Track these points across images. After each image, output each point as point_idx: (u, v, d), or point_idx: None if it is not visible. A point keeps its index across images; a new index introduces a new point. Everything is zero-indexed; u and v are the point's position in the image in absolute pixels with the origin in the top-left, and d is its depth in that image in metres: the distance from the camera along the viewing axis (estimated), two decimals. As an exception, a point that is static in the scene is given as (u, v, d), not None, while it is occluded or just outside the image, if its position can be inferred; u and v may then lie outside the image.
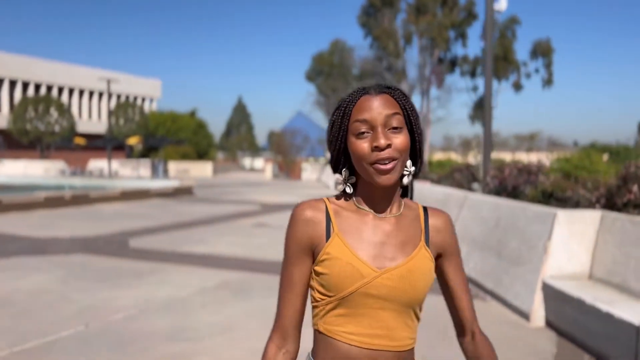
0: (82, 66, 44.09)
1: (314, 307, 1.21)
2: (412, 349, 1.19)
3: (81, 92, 45.52)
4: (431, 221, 1.24)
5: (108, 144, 28.60)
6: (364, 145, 1.13)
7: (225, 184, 27.92)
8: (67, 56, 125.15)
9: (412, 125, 1.18)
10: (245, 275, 6.55)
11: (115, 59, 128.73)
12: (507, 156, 50.34)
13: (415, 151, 1.21)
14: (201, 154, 46.08)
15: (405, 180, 1.19)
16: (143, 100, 51.39)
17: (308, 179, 34.49)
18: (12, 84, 40.49)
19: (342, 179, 1.23)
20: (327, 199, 1.24)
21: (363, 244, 1.16)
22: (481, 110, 37.04)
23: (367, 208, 1.20)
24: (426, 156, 33.17)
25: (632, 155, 42.84)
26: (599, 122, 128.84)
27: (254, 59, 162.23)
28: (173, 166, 37.23)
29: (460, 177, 9.54)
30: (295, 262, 1.21)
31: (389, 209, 1.20)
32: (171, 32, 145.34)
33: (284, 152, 38.60)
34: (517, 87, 36.91)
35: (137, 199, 16.29)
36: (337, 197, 1.24)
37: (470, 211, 6.69)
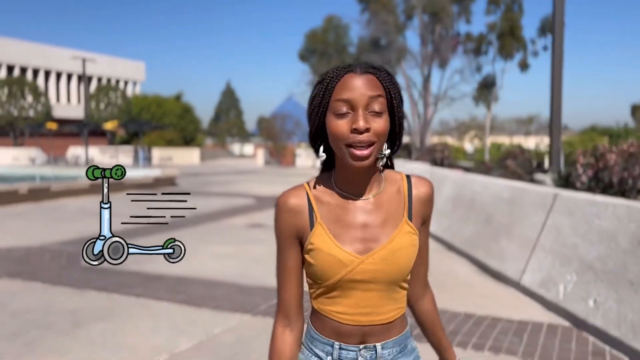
0: (58, 47, 41.16)
1: (308, 287, 1.26)
2: (401, 315, 1.25)
3: (58, 75, 42.69)
4: (415, 192, 1.23)
5: (83, 129, 26.04)
6: (342, 125, 1.11)
7: (213, 172, 25.60)
8: (44, 37, 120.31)
9: (395, 108, 1.16)
10: (243, 321, 4.35)
11: (97, 41, 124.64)
12: (505, 140, 48.55)
13: (394, 134, 1.20)
14: (188, 140, 43.61)
15: (380, 163, 1.19)
16: (126, 83, 48.66)
17: (303, 165, 32.23)
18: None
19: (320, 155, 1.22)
20: (308, 184, 1.24)
21: (345, 229, 1.18)
22: (486, 90, 34.92)
23: (347, 191, 1.20)
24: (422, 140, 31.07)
25: (633, 136, 40.90)
26: (589, 105, 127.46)
27: (244, 41, 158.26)
28: (157, 153, 34.79)
29: (514, 165, 7.36)
30: (287, 250, 1.24)
31: (368, 190, 1.20)
32: (156, 13, 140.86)
33: (275, 137, 36.45)
34: (524, 66, 34.76)
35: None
36: (318, 180, 1.25)
37: (572, 219, 4.52)
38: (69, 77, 42.93)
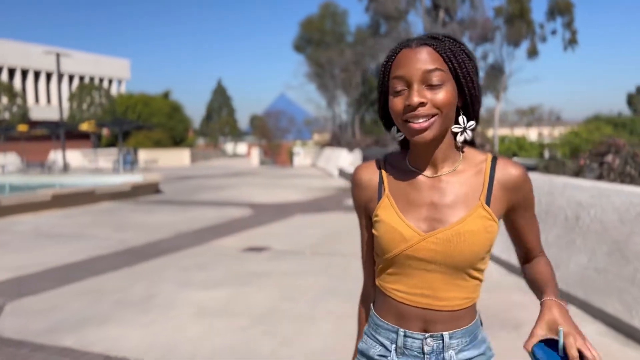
0: (36, 45, 38.58)
1: (375, 264, 1.25)
2: (471, 306, 1.18)
3: (37, 74, 40.15)
4: (498, 175, 1.15)
5: (56, 130, 23.61)
6: (398, 103, 1.10)
7: (204, 174, 23.30)
8: (23, 35, 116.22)
9: (461, 78, 1.10)
10: None
11: (80, 39, 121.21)
12: (506, 132, 46.50)
13: (467, 107, 1.14)
14: (178, 141, 41.26)
15: (460, 137, 1.14)
16: (110, 82, 46.15)
17: (301, 164, 29.98)
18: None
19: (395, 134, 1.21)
20: (385, 157, 1.25)
21: (412, 205, 1.15)
22: (494, 78, 32.73)
23: (418, 167, 1.18)
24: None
25: (637, 125, 38.72)
26: (585, 94, 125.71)
27: (235, 38, 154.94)
28: (144, 155, 32.45)
29: (616, 162, 5.15)
30: (361, 221, 1.27)
31: (440, 167, 1.16)
32: (141, 9, 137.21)
33: (269, 136, 34.38)
34: (532, 52, 32.62)
35: (76, 205, 11.69)
36: (394, 155, 1.24)
37: None
38: (49, 76, 40.38)
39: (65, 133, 27.96)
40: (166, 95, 43.12)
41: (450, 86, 1.09)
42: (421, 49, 1.09)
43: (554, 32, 32.80)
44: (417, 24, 31.25)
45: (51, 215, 10.54)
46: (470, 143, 1.20)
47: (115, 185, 13.43)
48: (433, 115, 1.07)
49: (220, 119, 66.92)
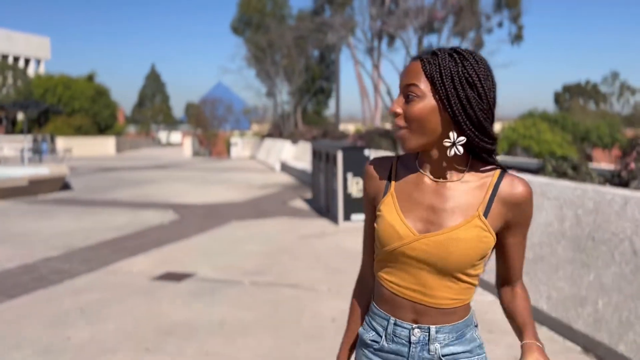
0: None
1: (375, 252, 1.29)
2: (462, 306, 1.21)
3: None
4: (501, 190, 1.18)
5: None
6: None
7: (129, 166, 20.74)
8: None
9: (442, 95, 1.12)
10: None
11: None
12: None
13: (458, 123, 1.13)
14: (103, 127, 37.79)
15: (450, 152, 1.15)
16: (27, 61, 41.76)
17: (239, 155, 27.82)
18: None
19: None
20: (398, 156, 1.29)
21: (412, 206, 1.20)
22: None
23: (425, 170, 1.22)
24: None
25: (569, 122, 39.34)
26: (517, 92, 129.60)
27: (170, 19, 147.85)
28: (63, 143, 29.16)
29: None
30: (368, 211, 1.32)
31: (445, 174, 1.19)
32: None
33: (205, 124, 31.97)
34: (478, 45, 31.95)
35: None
36: (407, 155, 1.27)
37: None
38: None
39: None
40: (90, 77, 39.36)
41: (427, 102, 1.13)
42: (412, 63, 1.16)
43: (500, 25, 32.28)
44: (363, 10, 29.66)
45: None
46: (488, 155, 1.19)
47: (8, 179, 10.93)
48: (403, 128, 1.15)
49: (153, 106, 63.53)
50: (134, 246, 6.36)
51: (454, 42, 30.85)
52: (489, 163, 1.20)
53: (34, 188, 11.10)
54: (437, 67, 1.12)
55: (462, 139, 1.14)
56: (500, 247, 1.25)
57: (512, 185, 1.18)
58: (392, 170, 1.26)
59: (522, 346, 1.20)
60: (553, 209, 4.11)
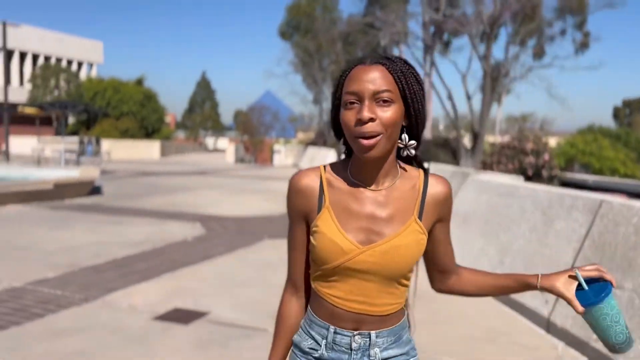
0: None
1: (310, 267, 1.26)
2: (400, 310, 1.24)
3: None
4: (430, 191, 1.23)
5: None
6: (349, 117, 1.13)
7: (166, 171, 20.10)
8: None
9: (408, 99, 1.15)
10: None
11: (54, 19, 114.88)
12: (495, 139, 44.09)
13: (412, 127, 1.19)
14: (150, 131, 37.82)
15: (403, 153, 1.20)
16: (80, 65, 42.42)
17: (282, 163, 26.94)
18: None
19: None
20: (324, 167, 1.25)
21: (351, 218, 1.18)
22: (496, 81, 29.94)
23: (359, 180, 1.21)
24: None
25: (632, 139, 36.40)
26: (575, 105, 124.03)
27: (221, 29, 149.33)
28: (108, 146, 29.06)
29: None
30: (296, 226, 1.26)
31: (380, 182, 1.20)
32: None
33: (251, 131, 31.50)
34: (539, 54, 29.97)
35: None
36: (335, 165, 1.25)
37: None
38: (10, 54, 36.57)
39: (23, 118, 24.60)
40: (139, 81, 39.58)
41: (398, 107, 1.13)
42: (374, 67, 1.13)
43: (563, 33, 30.24)
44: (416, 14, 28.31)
45: None
46: (411, 159, 1.24)
47: (31, 182, 10.23)
48: (379, 134, 1.11)
49: (202, 112, 64.21)
50: (146, 269, 5.33)
51: (513, 50, 29.05)
52: (418, 165, 1.26)
53: (60, 192, 10.36)
54: (401, 73, 1.14)
55: (414, 142, 1.19)
56: (435, 242, 1.28)
57: (438, 184, 1.23)
58: (323, 182, 1.22)
59: (536, 285, 1.21)
60: None
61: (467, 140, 24.93)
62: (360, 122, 1.09)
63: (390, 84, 1.12)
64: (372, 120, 1.10)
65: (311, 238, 1.21)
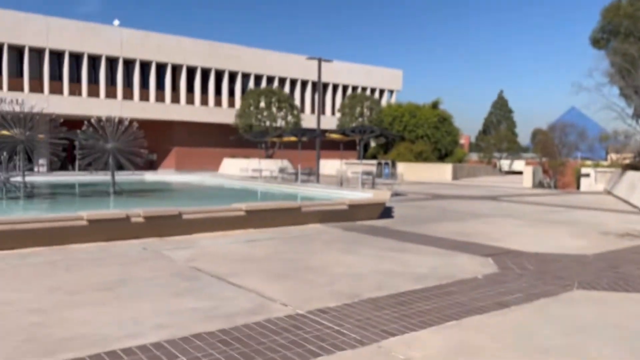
0: (300, 55, 39.55)
1: None
2: None
3: (303, 84, 41.59)
4: None
5: (301, 137, 22.66)
6: None
7: (458, 194, 19.44)
8: (292, 48, 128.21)
9: None
10: None
11: (355, 53, 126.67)
12: None
13: None
14: (443, 154, 37.99)
15: None
16: (381, 92, 45.62)
17: (590, 189, 23.49)
18: (245, 77, 38.61)
19: None
20: None
21: None
22: None
23: None
24: None
25: None
26: None
27: (520, 44, 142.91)
28: (402, 169, 30.12)
29: None
30: None
31: None
32: (413, 19, 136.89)
33: (551, 152, 28.44)
34: None
35: (276, 224, 9.40)
36: None
37: None
38: (314, 85, 41.59)
39: (330, 143, 27.53)
40: (435, 105, 40.27)
41: None
42: None
43: None
44: None
45: (232, 237, 8.37)
46: None
47: (329, 202, 10.80)
48: None
49: (497, 133, 62.00)
50: (428, 311, 4.66)
51: None
52: None
53: (353, 212, 10.67)
54: None
55: None
56: None
57: None
58: None
59: None
60: None
61: None
62: None
63: None
64: None
65: None
